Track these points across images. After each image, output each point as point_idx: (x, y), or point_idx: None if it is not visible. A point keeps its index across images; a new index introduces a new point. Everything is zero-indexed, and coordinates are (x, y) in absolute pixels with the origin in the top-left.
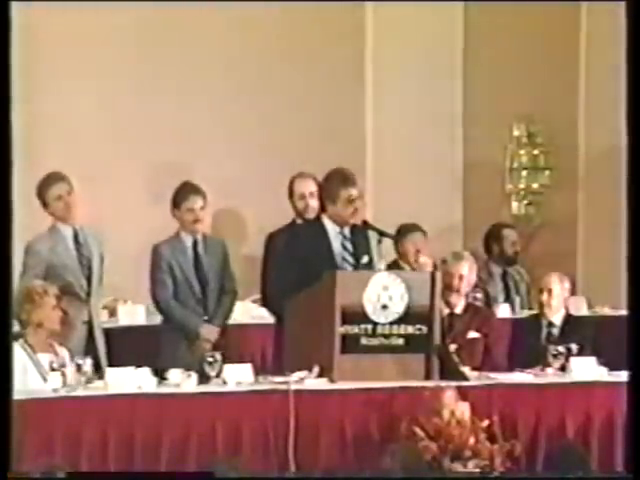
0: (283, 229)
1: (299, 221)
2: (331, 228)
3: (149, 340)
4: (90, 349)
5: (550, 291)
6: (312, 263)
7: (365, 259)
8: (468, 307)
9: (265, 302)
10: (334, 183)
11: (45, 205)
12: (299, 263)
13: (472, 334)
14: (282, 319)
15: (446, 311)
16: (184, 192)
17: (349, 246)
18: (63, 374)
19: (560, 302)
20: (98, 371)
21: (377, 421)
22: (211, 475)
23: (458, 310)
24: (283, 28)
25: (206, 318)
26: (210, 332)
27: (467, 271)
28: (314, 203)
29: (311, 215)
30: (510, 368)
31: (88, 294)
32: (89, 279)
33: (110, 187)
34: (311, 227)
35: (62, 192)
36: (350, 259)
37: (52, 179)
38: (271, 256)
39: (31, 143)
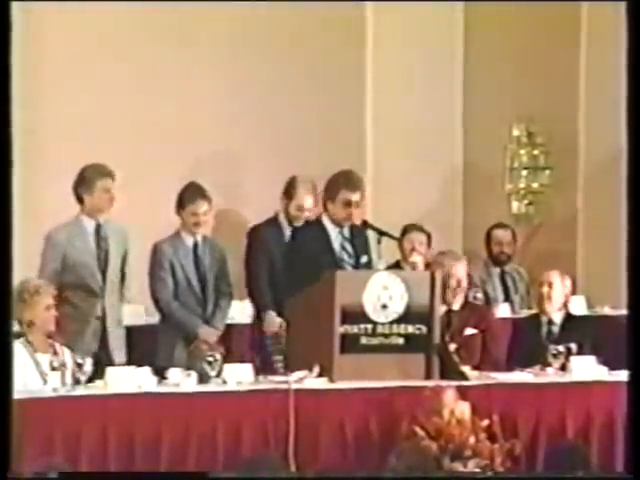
0: (266, 223)
1: (282, 217)
2: (331, 229)
3: (149, 340)
4: (104, 345)
5: (550, 284)
6: (313, 263)
7: (364, 259)
8: (465, 304)
9: (252, 297)
10: (336, 183)
11: (84, 192)
12: (301, 263)
13: (469, 330)
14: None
15: (443, 308)
16: (191, 194)
17: (348, 247)
18: (63, 374)
19: (560, 297)
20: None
21: (377, 421)
22: (206, 475)
23: (455, 307)
24: (283, 28)
25: (205, 319)
26: (209, 334)
27: (460, 266)
28: (308, 214)
29: (299, 222)
30: (510, 367)
31: (102, 289)
32: (104, 274)
33: None
34: (312, 227)
35: (110, 186)
36: (349, 260)
37: (103, 172)
38: (253, 249)
39: (31, 143)
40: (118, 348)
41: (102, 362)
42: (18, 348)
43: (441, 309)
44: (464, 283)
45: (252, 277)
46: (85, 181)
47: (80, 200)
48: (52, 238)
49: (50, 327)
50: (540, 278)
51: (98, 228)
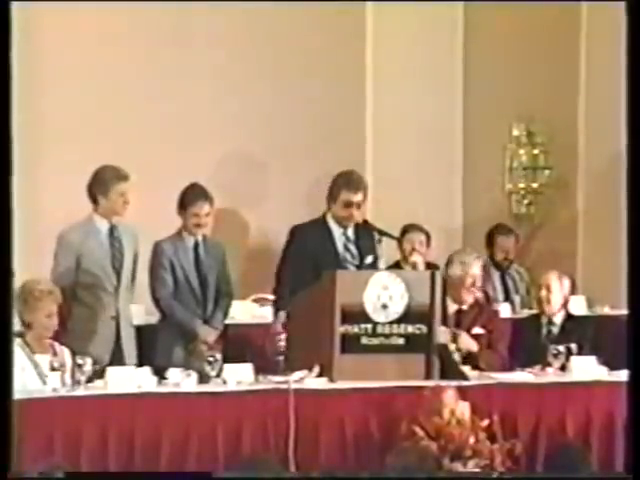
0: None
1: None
2: (335, 229)
3: (148, 340)
4: (118, 345)
5: (549, 287)
6: (316, 263)
7: (369, 259)
8: (474, 304)
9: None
10: (337, 183)
11: (99, 194)
12: (303, 262)
13: (477, 330)
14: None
15: (454, 307)
16: (193, 195)
17: (351, 247)
18: (63, 374)
19: (559, 299)
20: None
21: (377, 421)
22: (210, 475)
23: (465, 306)
24: (283, 28)
25: (205, 319)
26: (208, 333)
27: (480, 267)
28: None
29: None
30: (510, 367)
31: (117, 289)
32: (119, 274)
33: None
34: (316, 227)
35: (126, 189)
36: (352, 260)
37: (119, 176)
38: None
39: (31, 143)
40: (130, 348)
41: (115, 362)
42: (15, 350)
43: (451, 307)
44: (479, 283)
45: (277, 276)
46: (101, 183)
47: (94, 200)
48: (65, 238)
49: (48, 334)
50: (539, 281)
51: (112, 229)
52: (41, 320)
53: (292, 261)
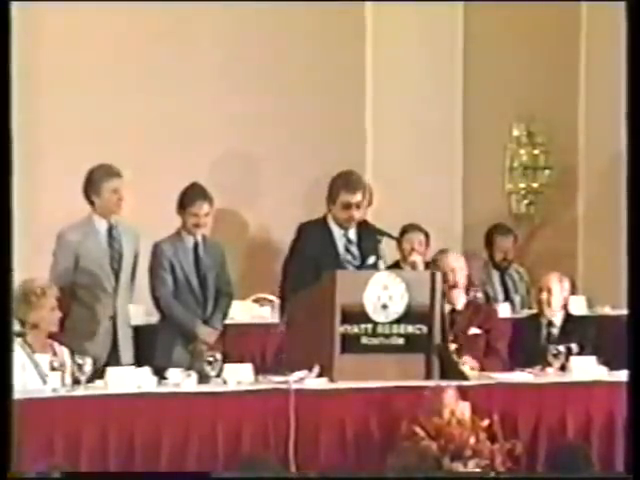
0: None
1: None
2: (336, 230)
3: (148, 340)
4: (114, 345)
5: (549, 290)
6: (318, 264)
7: (372, 260)
8: (469, 304)
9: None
10: (336, 185)
11: (92, 194)
12: (304, 263)
13: (473, 330)
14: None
15: (448, 307)
16: (192, 195)
17: (352, 248)
18: (63, 374)
19: (559, 301)
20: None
21: (377, 421)
22: (210, 475)
23: (459, 306)
24: (283, 28)
25: (204, 319)
26: (208, 334)
27: (457, 263)
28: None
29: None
30: (510, 367)
31: (115, 290)
32: (117, 274)
33: None
34: (317, 227)
35: (118, 186)
36: (353, 261)
37: (109, 173)
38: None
39: (31, 143)
40: (126, 348)
41: (111, 362)
42: (16, 349)
43: (445, 308)
44: (452, 277)
45: (284, 274)
46: (93, 182)
47: (90, 202)
48: (64, 237)
49: (53, 328)
50: (539, 283)
51: (110, 229)
52: (45, 316)
53: (298, 259)
